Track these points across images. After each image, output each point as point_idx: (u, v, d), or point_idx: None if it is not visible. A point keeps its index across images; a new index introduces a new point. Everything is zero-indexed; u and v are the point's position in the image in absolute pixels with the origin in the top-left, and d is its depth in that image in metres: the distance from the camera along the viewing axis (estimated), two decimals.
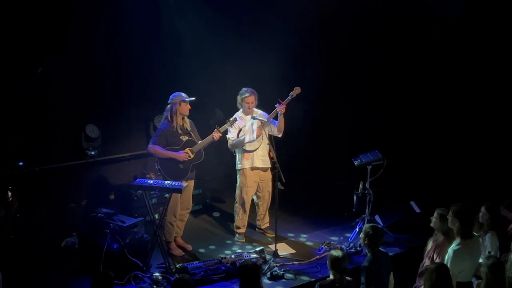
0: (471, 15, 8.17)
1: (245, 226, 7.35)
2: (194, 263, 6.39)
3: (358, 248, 6.79)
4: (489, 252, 5.28)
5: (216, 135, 6.69)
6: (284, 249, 6.94)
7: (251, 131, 6.96)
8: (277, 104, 6.83)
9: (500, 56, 8.21)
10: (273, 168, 6.82)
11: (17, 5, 6.70)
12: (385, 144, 7.71)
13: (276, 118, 6.96)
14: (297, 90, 6.85)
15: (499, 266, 4.71)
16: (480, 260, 5.08)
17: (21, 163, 6.90)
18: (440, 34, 8.47)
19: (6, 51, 6.71)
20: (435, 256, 5.37)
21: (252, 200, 7.33)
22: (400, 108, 8.85)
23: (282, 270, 6.36)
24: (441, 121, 8.66)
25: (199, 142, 6.75)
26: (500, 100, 8.27)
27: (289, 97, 6.84)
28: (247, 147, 7.03)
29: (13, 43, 6.72)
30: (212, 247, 7.11)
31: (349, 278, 5.03)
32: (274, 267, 6.43)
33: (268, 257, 6.60)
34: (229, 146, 7.10)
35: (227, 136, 7.02)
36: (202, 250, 7.01)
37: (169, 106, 6.68)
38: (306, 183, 8.97)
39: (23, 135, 6.95)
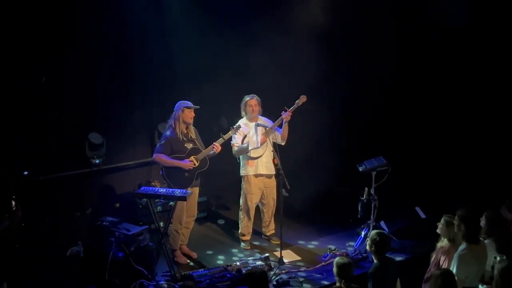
0: (471, 16, 8.18)
1: (250, 233, 7.34)
2: (200, 270, 6.39)
3: (364, 254, 6.78)
4: (495, 258, 5.24)
5: (216, 148, 6.65)
6: (289, 256, 6.93)
7: (255, 138, 6.98)
8: (283, 111, 6.87)
9: (500, 56, 8.20)
10: (277, 175, 6.83)
11: (18, 5, 6.70)
12: (391, 151, 7.67)
13: (280, 126, 6.99)
14: (303, 99, 6.89)
15: (510, 270, 4.65)
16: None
17: (25, 173, 6.91)
18: (440, 35, 8.47)
19: (6, 51, 6.69)
20: (441, 262, 5.35)
21: (258, 206, 7.33)
22: (411, 117, 8.86)
23: (288, 277, 6.35)
24: (447, 126, 8.65)
25: (204, 150, 6.75)
26: (500, 99, 8.26)
27: (295, 105, 6.88)
28: (252, 154, 7.04)
29: (13, 43, 6.70)
30: (217, 254, 7.10)
31: (355, 286, 5.01)
32: (279, 274, 6.42)
33: (273, 264, 6.60)
34: (233, 152, 7.12)
35: (231, 142, 7.02)
36: (207, 258, 7.00)
37: (173, 113, 6.70)
38: (310, 189, 8.94)
39: (27, 143, 6.95)
